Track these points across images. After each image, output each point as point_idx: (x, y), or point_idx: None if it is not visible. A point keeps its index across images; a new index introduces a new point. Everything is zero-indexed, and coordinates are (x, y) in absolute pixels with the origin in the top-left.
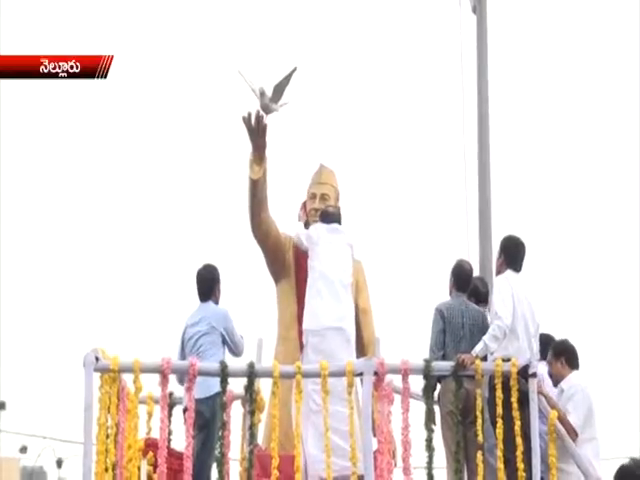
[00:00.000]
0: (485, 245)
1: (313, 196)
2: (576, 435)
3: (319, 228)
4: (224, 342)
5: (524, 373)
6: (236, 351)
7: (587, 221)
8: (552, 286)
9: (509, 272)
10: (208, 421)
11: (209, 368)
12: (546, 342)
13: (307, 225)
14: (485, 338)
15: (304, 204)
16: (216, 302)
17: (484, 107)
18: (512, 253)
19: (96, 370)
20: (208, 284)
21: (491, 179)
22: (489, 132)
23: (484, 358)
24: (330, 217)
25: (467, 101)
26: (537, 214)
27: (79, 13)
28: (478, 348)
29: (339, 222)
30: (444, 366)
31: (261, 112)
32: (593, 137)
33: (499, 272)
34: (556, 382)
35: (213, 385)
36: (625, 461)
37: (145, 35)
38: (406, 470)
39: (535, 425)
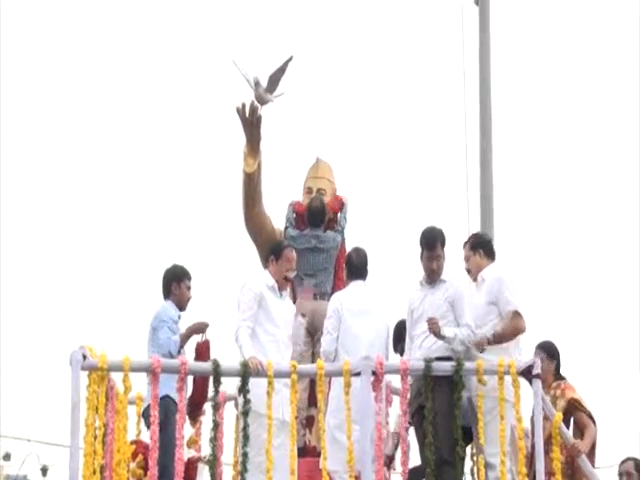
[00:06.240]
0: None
1: (309, 191)
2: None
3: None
4: None
5: (527, 374)
6: (157, 349)
7: (590, 216)
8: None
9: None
10: (163, 423)
11: (201, 367)
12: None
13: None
14: (459, 336)
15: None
16: (176, 301)
17: (486, 95)
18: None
19: (83, 369)
20: (163, 284)
21: (493, 169)
22: (491, 120)
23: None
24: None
25: (469, 90)
26: (539, 205)
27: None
28: (450, 334)
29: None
30: (445, 366)
31: (256, 103)
32: (597, 130)
33: None
34: (474, 275)
35: (164, 385)
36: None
37: (139, 23)
38: (405, 475)
39: (539, 426)
